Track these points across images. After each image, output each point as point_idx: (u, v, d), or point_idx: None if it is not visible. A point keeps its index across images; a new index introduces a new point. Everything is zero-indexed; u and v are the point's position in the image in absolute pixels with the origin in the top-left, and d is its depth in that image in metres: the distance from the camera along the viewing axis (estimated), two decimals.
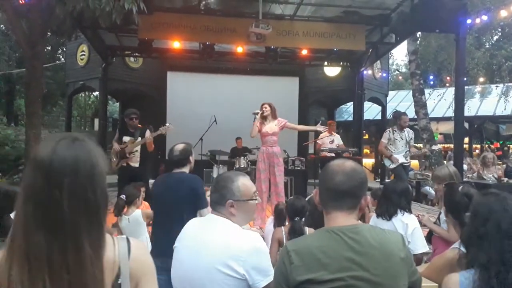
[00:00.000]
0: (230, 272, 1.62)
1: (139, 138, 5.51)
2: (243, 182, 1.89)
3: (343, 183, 1.47)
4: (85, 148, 1.03)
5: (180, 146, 3.14)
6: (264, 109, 5.65)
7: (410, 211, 3.04)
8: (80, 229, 0.96)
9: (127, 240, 1.09)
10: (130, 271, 1.05)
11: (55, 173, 0.97)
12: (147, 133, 5.52)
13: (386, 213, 3.01)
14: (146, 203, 4.77)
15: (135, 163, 5.59)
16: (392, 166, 6.77)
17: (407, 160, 6.79)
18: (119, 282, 1.03)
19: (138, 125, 5.69)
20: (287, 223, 3.37)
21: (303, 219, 3.25)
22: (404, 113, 7.01)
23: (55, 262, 0.94)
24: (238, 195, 1.84)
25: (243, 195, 1.85)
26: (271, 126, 5.64)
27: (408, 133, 6.88)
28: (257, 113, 5.67)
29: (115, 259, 1.04)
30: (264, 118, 5.63)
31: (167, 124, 5.45)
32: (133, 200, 3.81)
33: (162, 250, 2.98)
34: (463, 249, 1.83)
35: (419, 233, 2.93)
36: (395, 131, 6.80)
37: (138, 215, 3.78)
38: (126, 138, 5.62)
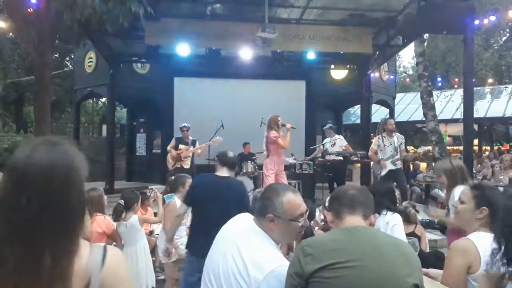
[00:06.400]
0: (244, 286, 1.61)
1: (192, 147, 7.36)
2: (290, 199, 1.71)
3: (356, 195, 1.65)
4: (64, 153, 1.01)
5: (232, 152, 3.49)
6: (282, 121, 6.23)
7: (393, 211, 3.16)
8: (53, 239, 0.95)
9: (104, 249, 1.06)
10: (102, 281, 1.01)
11: (28, 179, 0.96)
12: (197, 143, 7.47)
13: None
14: (150, 209, 4.83)
15: (186, 165, 7.38)
16: (383, 173, 6.91)
17: (395, 165, 6.88)
18: None
19: (189, 136, 7.58)
20: None
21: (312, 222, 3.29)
22: (389, 118, 7.25)
23: (14, 271, 0.93)
24: (280, 211, 1.68)
25: (285, 213, 1.68)
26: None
27: (398, 138, 6.97)
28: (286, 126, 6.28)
29: (87, 268, 1.00)
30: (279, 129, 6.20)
31: (217, 137, 7.50)
32: (131, 205, 3.76)
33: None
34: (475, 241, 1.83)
35: (398, 229, 3.06)
36: (384, 137, 6.95)
37: (134, 221, 3.72)
38: (182, 146, 7.42)
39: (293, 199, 1.71)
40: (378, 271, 1.39)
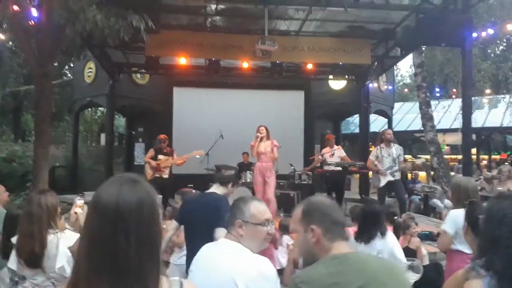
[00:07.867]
0: None
1: (171, 158, 7.51)
2: (256, 206, 1.87)
3: (341, 216, 1.60)
4: (145, 190, 1.07)
5: (230, 170, 3.35)
6: (261, 131, 6.82)
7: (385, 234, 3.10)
8: (146, 273, 0.99)
9: (180, 284, 1.11)
10: None
11: (122, 219, 0.99)
12: (174, 154, 7.60)
13: (365, 236, 3.03)
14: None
15: (165, 175, 7.51)
16: (381, 184, 6.93)
17: (393, 176, 6.88)
18: None
19: (168, 147, 7.68)
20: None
21: None
22: (387, 128, 7.44)
23: None
24: (248, 216, 1.83)
25: (252, 217, 1.83)
26: (265, 146, 6.82)
27: (396, 149, 6.99)
28: (258, 137, 6.87)
29: None
30: (261, 139, 6.80)
31: (201, 150, 7.87)
32: None
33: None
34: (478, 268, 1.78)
35: (397, 249, 3.07)
36: (383, 148, 6.98)
37: None
38: (161, 157, 7.48)
39: (259, 206, 1.89)
40: None
